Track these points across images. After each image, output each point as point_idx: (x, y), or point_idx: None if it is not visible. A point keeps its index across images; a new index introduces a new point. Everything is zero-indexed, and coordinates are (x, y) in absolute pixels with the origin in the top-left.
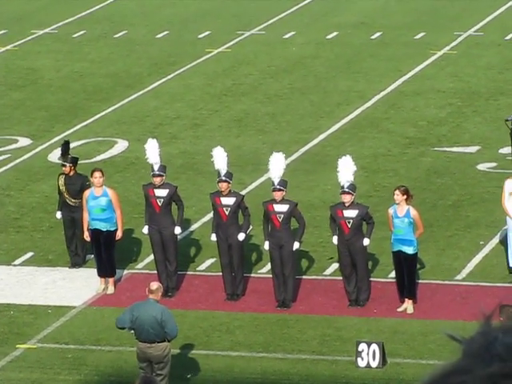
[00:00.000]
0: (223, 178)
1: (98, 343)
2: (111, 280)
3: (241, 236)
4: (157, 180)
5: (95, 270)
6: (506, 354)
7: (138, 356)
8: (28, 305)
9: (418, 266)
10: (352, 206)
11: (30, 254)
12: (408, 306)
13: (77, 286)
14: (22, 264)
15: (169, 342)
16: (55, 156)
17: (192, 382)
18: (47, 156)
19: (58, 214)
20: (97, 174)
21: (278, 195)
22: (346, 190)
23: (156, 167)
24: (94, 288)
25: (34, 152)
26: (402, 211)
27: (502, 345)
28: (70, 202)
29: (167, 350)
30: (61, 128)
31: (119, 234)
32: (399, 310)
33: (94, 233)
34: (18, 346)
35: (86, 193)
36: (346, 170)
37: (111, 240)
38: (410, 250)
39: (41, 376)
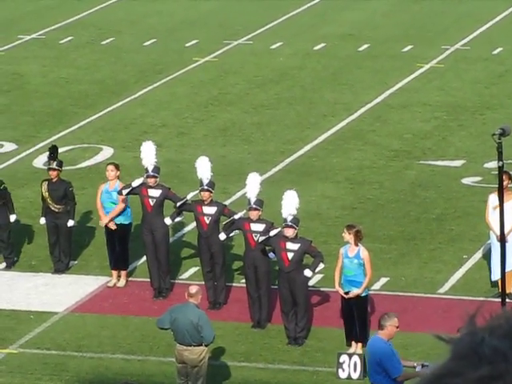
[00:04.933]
0: (205, 187)
1: (80, 349)
2: (123, 273)
3: (221, 236)
4: (151, 181)
5: (78, 276)
6: (493, 357)
7: (176, 357)
8: (10, 310)
9: (403, 278)
10: (295, 239)
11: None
12: (357, 349)
13: (59, 292)
14: (5, 269)
15: (206, 346)
16: (40, 161)
17: None
18: (32, 161)
19: (42, 220)
20: (109, 168)
21: (253, 214)
22: (289, 223)
23: (150, 168)
24: (76, 294)
25: (18, 157)
26: (352, 251)
27: (489, 347)
28: (53, 208)
29: (203, 354)
30: (46, 134)
31: (104, 221)
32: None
33: (108, 226)
34: None
35: (101, 187)
36: (290, 203)
37: (125, 233)
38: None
39: (22, 381)
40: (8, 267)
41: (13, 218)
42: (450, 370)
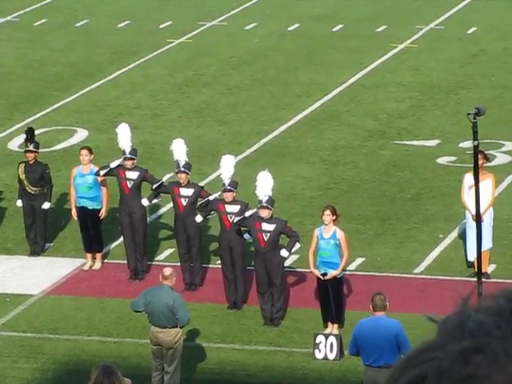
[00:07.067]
0: (182, 169)
1: (56, 332)
2: (99, 255)
3: (198, 218)
4: (128, 163)
5: (54, 258)
6: (477, 330)
7: (151, 339)
8: None
9: (378, 258)
10: (270, 219)
11: None
12: (333, 330)
13: (35, 275)
14: None
15: (180, 328)
16: (15, 144)
17: (147, 372)
18: (7, 144)
19: (19, 203)
20: (83, 152)
21: (228, 196)
22: (264, 204)
23: (128, 150)
24: (52, 276)
25: None
26: (328, 232)
27: (474, 322)
28: (30, 190)
29: (178, 335)
30: (21, 116)
31: (103, 213)
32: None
33: (81, 210)
34: None
35: (74, 170)
36: (265, 184)
37: (98, 217)
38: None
39: None
40: None
41: None
42: (432, 345)
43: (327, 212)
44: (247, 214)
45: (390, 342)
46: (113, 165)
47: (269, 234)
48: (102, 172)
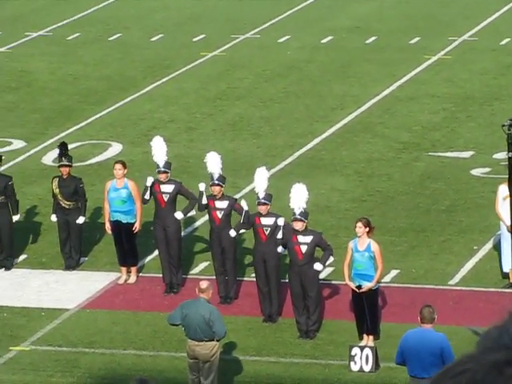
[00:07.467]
0: (216, 182)
1: (91, 346)
2: (134, 269)
3: (232, 233)
4: (162, 176)
5: (89, 272)
6: (511, 343)
7: (187, 352)
8: (21, 307)
9: (413, 270)
10: (306, 231)
11: (23, 257)
12: (368, 342)
13: (70, 289)
14: (16, 266)
15: (217, 341)
16: (49, 158)
17: None
18: (41, 158)
19: (53, 217)
20: (117, 166)
21: (263, 209)
22: (298, 217)
23: (161, 164)
24: (87, 291)
25: (27, 154)
26: (362, 245)
27: (509, 334)
28: (64, 205)
29: (215, 349)
30: (54, 131)
31: (137, 226)
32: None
33: (115, 224)
34: (11, 348)
35: (108, 184)
36: (299, 197)
37: (132, 231)
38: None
39: (34, 378)
40: (7, 269)
41: (15, 218)
42: (469, 357)
43: (359, 224)
44: (279, 222)
45: (434, 356)
46: (148, 183)
47: (306, 246)
48: (146, 196)
